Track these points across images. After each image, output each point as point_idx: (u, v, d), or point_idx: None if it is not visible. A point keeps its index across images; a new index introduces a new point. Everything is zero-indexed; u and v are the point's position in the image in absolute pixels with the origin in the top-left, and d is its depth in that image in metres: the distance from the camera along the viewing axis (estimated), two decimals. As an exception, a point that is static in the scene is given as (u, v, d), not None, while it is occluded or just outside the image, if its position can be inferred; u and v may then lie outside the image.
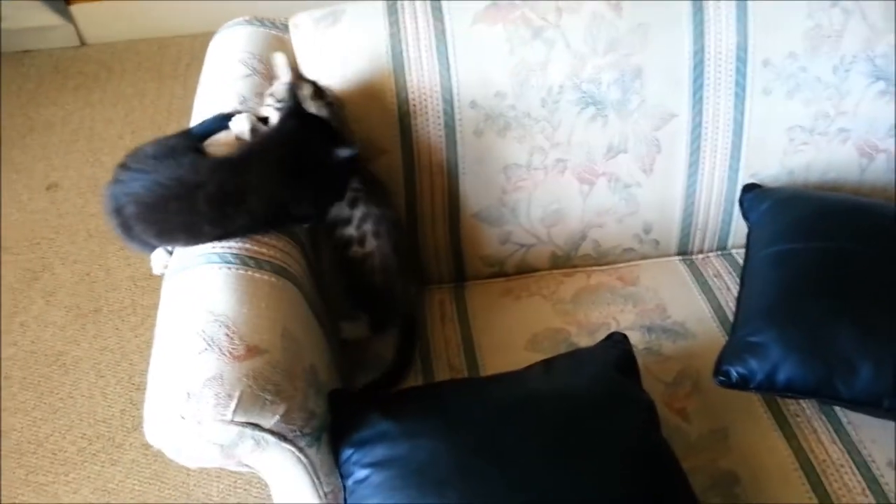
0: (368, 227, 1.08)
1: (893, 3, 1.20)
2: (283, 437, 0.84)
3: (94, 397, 1.69)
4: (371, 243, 1.08)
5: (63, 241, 2.03)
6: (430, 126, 1.19)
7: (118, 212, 0.96)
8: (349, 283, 1.10)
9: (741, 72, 1.20)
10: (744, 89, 1.21)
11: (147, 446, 1.57)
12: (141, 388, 1.69)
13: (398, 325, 1.15)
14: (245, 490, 1.51)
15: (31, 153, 2.29)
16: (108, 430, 1.63)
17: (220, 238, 0.94)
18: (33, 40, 2.63)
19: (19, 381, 1.73)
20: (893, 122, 1.24)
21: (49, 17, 2.58)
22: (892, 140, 1.25)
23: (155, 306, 0.92)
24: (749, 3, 1.18)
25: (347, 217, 1.08)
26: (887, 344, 0.96)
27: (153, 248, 1.00)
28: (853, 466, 0.99)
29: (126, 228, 0.97)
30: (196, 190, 0.92)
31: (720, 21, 1.19)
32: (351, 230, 1.08)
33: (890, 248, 1.06)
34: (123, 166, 0.99)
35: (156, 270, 1.01)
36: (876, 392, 0.96)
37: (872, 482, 0.97)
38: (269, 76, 1.15)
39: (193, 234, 0.94)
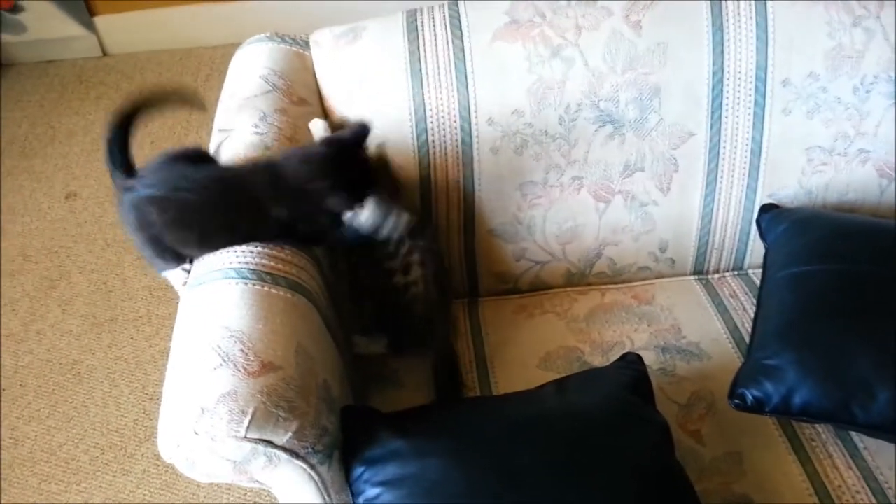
0: (415, 257, 1.09)
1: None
2: (295, 453, 0.84)
3: (108, 407, 1.70)
4: (416, 272, 1.09)
5: (81, 251, 2.05)
6: (447, 142, 1.20)
7: (148, 225, 0.96)
8: (381, 306, 1.11)
9: (760, 91, 1.20)
10: (763, 109, 1.20)
11: (159, 457, 1.57)
12: (154, 398, 1.70)
13: (424, 353, 1.15)
14: (255, 502, 1.51)
15: (52, 162, 2.32)
16: (121, 440, 1.64)
17: (250, 239, 0.95)
18: (57, 51, 2.67)
19: (34, 389, 1.75)
20: (914, 143, 1.23)
21: (73, 28, 2.62)
22: (913, 162, 1.24)
23: (170, 316, 0.93)
24: (770, 22, 1.18)
25: (392, 250, 1.09)
26: (906, 370, 0.95)
27: (180, 261, 1.00)
28: (869, 493, 0.98)
29: (155, 242, 0.97)
30: (236, 191, 0.95)
31: (740, 40, 1.18)
32: (395, 263, 1.09)
33: (910, 272, 1.04)
34: (135, 177, 0.99)
35: (179, 287, 1.02)
36: (893, 418, 0.94)
37: (890, 510, 0.96)
38: (289, 92, 1.16)
39: (233, 234, 0.95)
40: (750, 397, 0.99)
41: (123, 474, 1.58)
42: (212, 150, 1.10)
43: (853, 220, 1.19)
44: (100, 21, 2.63)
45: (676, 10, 1.19)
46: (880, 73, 1.19)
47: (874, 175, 1.25)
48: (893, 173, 1.25)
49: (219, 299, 0.89)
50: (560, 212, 1.25)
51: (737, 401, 1.00)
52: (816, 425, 1.04)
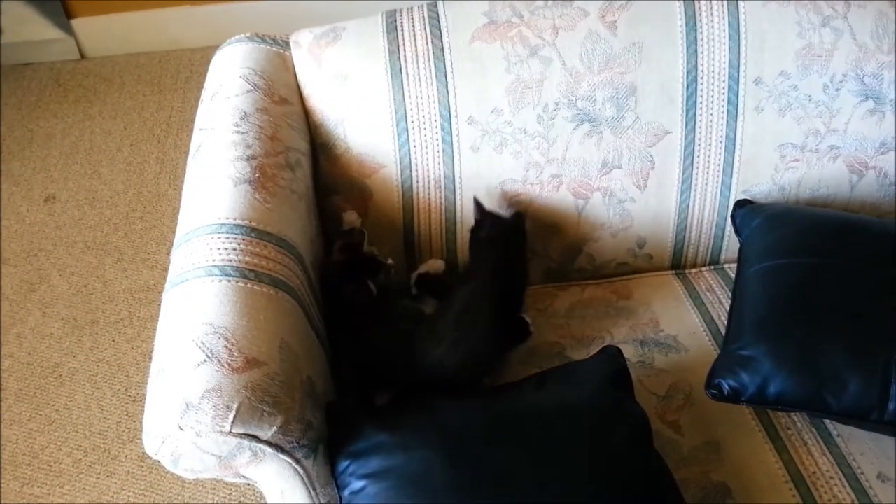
0: None
1: (882, 23, 1.22)
2: (280, 448, 0.84)
3: (90, 409, 1.69)
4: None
5: (60, 253, 2.04)
6: (427, 141, 1.21)
7: None
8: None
9: (734, 90, 1.22)
10: (736, 107, 1.23)
11: (143, 458, 1.58)
12: (137, 400, 1.69)
13: None
14: (240, 502, 1.52)
15: (30, 165, 2.30)
16: (104, 442, 1.63)
17: None
18: (34, 53, 2.65)
19: (15, 392, 1.73)
20: (882, 139, 1.26)
21: (50, 31, 2.60)
22: (881, 157, 1.27)
23: (152, 318, 0.94)
24: (742, 22, 1.21)
25: None
26: (875, 358, 0.97)
27: None
28: (842, 479, 1.00)
29: None
30: None
31: (713, 40, 1.21)
32: None
33: (879, 264, 1.07)
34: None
35: None
36: (864, 405, 0.97)
37: (861, 494, 0.99)
38: (270, 92, 1.17)
39: None
40: (726, 387, 1.01)
41: (107, 476, 1.57)
42: (192, 150, 1.11)
43: (825, 215, 1.22)
44: (77, 24, 2.61)
45: (651, 11, 1.21)
46: (849, 71, 1.22)
47: (845, 171, 1.28)
48: (863, 169, 1.28)
49: (202, 296, 0.90)
50: (540, 209, 1.26)
51: (714, 391, 1.03)
52: (791, 414, 1.07)
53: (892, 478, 1.00)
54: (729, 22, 1.21)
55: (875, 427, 1.01)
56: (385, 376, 1.10)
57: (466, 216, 1.26)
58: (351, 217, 1.23)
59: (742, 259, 1.19)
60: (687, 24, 1.21)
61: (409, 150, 1.21)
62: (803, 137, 1.25)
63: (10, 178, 2.26)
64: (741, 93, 1.22)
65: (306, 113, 1.23)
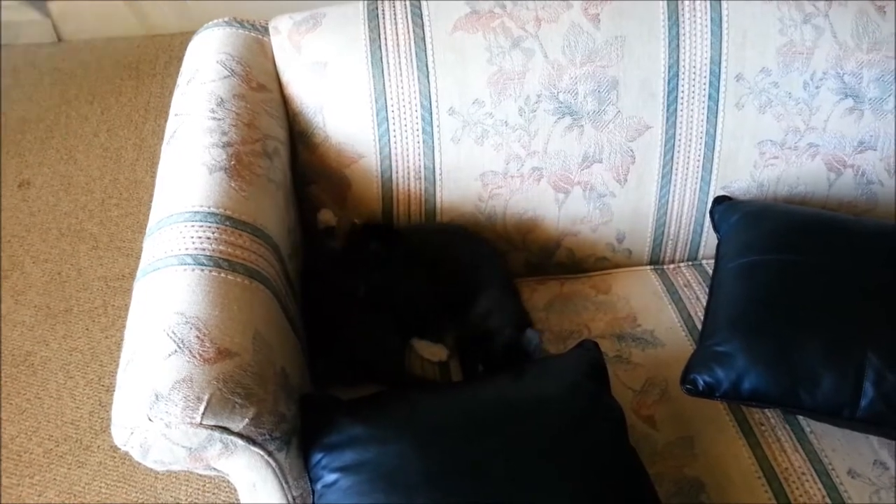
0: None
1: (862, 21, 1.22)
2: (252, 440, 0.83)
3: (63, 398, 1.67)
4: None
5: (34, 240, 2.00)
6: (407, 132, 1.20)
7: None
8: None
9: (714, 86, 1.22)
10: (717, 103, 1.23)
11: (115, 448, 1.56)
12: (110, 389, 1.67)
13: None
14: (213, 493, 1.50)
15: (4, 149, 2.26)
16: (76, 432, 1.61)
17: None
18: (10, 35, 2.60)
19: (-14, 380, 1.71)
20: (860, 138, 1.27)
21: (26, 13, 2.55)
22: (859, 156, 1.28)
23: (126, 307, 0.91)
24: (724, 18, 1.21)
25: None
26: (849, 355, 0.98)
27: None
28: (814, 475, 1.01)
29: None
30: None
31: (695, 36, 1.21)
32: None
33: (855, 262, 1.08)
34: None
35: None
36: (838, 402, 0.98)
37: (832, 490, 0.99)
38: (248, 78, 1.15)
39: None
40: (701, 383, 1.02)
41: (79, 466, 1.55)
42: (167, 136, 1.09)
43: (803, 213, 1.23)
44: (54, 6, 2.56)
45: (634, 5, 1.21)
46: (829, 69, 1.23)
47: (823, 168, 1.29)
48: (841, 167, 1.29)
49: (174, 285, 0.88)
50: (520, 202, 1.26)
51: (689, 386, 1.03)
52: (765, 410, 1.07)
53: (863, 474, 1.01)
54: (711, 17, 1.21)
55: (848, 424, 1.01)
56: (364, 369, 1.09)
57: (446, 208, 1.25)
58: (325, 216, 1.22)
59: (720, 255, 1.19)
60: (669, 19, 1.20)
61: (388, 140, 1.20)
62: (783, 134, 1.26)
63: (-18, 163, 2.22)
64: (722, 89, 1.23)
65: (285, 100, 1.21)
